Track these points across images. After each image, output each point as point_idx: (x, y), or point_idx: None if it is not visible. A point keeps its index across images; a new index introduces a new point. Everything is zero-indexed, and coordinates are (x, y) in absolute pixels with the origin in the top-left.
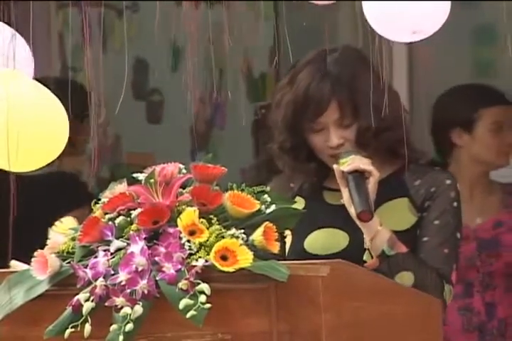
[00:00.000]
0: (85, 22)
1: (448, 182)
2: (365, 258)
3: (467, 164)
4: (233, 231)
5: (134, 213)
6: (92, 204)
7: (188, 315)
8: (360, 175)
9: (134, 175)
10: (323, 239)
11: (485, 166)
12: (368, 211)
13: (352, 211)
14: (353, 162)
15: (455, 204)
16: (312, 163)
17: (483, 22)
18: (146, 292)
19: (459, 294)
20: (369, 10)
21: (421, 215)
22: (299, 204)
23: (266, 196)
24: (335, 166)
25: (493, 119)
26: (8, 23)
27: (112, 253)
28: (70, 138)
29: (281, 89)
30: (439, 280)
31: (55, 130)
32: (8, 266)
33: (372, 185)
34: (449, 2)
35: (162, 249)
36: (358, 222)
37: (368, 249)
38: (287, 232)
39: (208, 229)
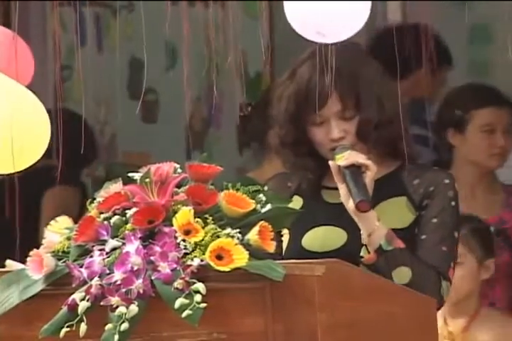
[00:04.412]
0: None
1: (446, 181)
2: (362, 253)
3: (464, 164)
4: (228, 230)
5: (129, 212)
6: (88, 203)
7: (184, 314)
8: (357, 169)
9: (130, 174)
10: (321, 237)
11: (478, 167)
12: (367, 201)
13: (349, 206)
14: (349, 156)
15: (453, 203)
16: (312, 160)
17: (478, 22)
18: (141, 291)
19: None
20: (289, 8)
21: (419, 214)
22: (297, 203)
23: (261, 195)
24: (331, 162)
25: (484, 121)
26: (7, 23)
27: (107, 253)
28: None
29: (281, 85)
30: (436, 277)
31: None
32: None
33: (369, 179)
34: (369, 4)
35: (157, 249)
36: (355, 218)
37: (365, 245)
38: (284, 231)
39: (203, 228)
